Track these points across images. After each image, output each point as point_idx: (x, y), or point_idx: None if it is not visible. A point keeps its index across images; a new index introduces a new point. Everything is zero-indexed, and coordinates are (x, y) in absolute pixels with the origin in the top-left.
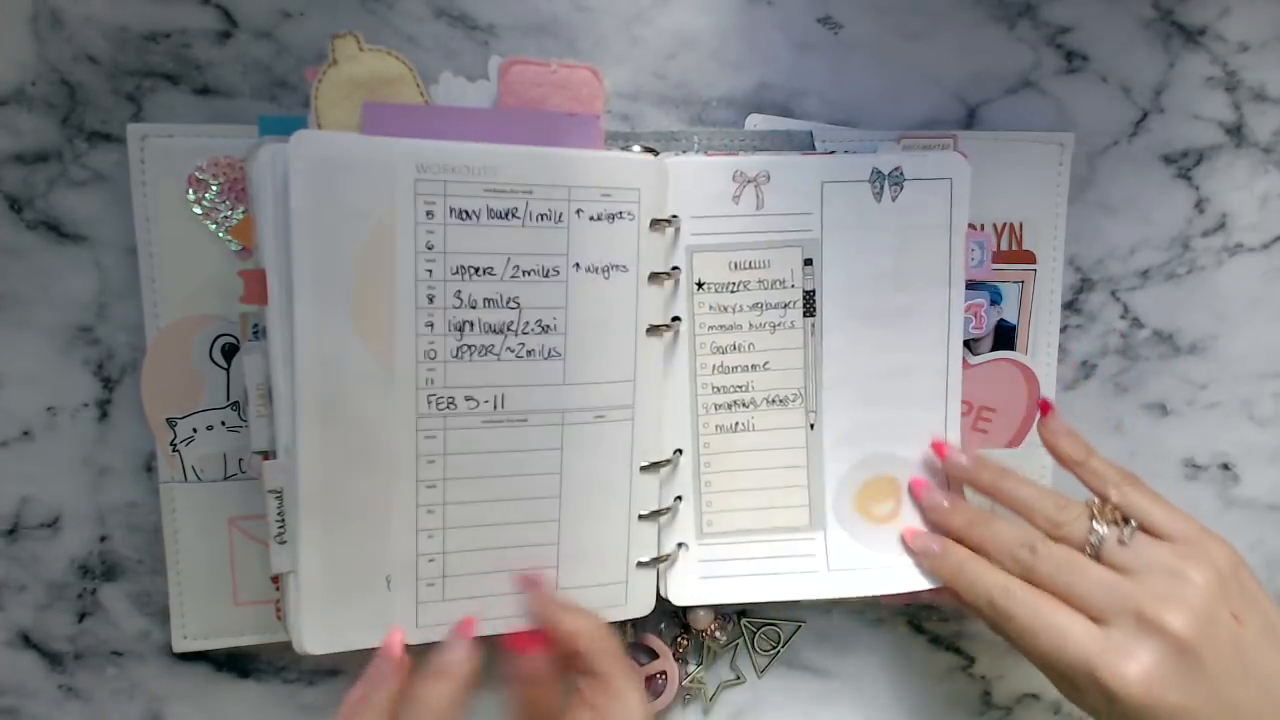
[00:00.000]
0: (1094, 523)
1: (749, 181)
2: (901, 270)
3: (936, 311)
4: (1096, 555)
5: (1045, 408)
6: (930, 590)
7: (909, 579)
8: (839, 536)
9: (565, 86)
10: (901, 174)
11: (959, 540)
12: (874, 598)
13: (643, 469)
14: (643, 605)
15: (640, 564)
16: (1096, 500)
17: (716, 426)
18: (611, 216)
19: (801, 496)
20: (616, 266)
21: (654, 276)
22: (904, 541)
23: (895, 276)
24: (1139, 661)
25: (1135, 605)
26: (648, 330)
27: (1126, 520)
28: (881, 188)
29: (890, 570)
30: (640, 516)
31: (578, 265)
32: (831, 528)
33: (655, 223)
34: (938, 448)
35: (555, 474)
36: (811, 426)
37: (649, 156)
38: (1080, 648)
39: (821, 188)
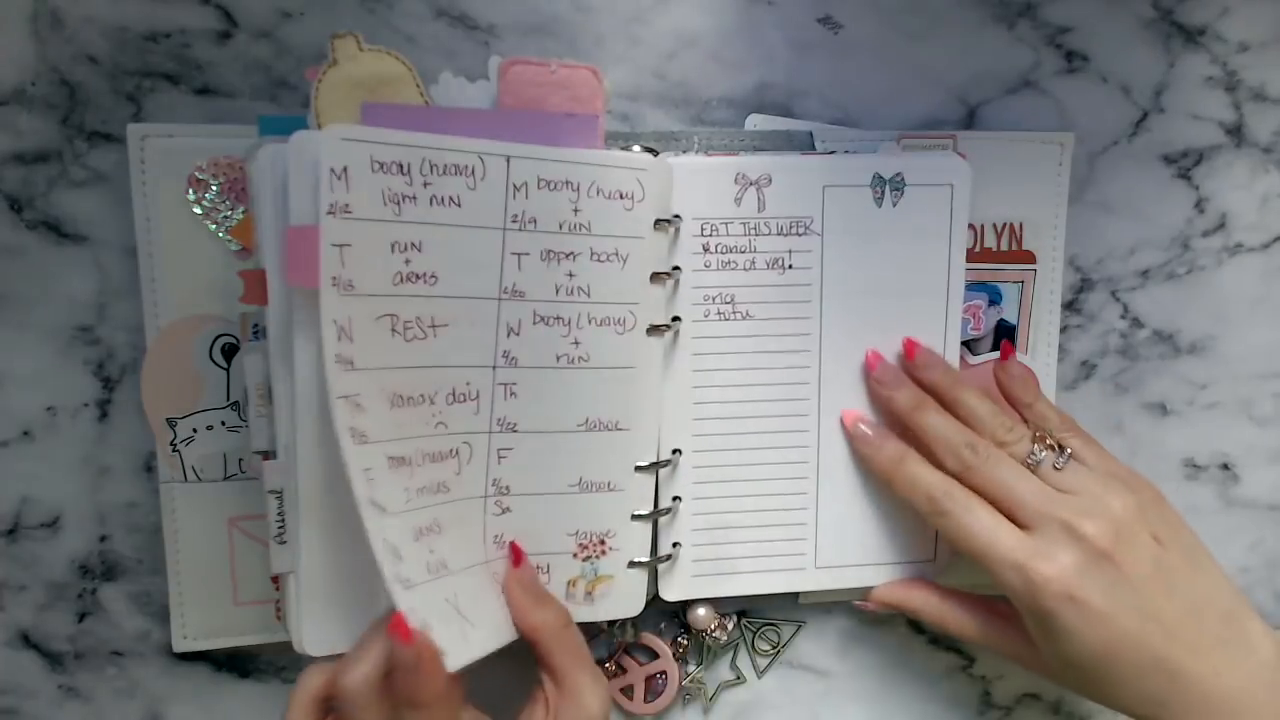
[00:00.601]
0: (1035, 445)
1: (751, 184)
2: (900, 276)
3: (934, 318)
4: (1033, 473)
5: (1007, 350)
6: (882, 590)
7: (885, 576)
8: (828, 536)
9: (565, 86)
10: (903, 180)
11: (901, 421)
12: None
13: (638, 469)
14: (633, 605)
15: (632, 564)
16: (1039, 430)
17: (715, 430)
18: (618, 216)
19: (798, 500)
20: (620, 265)
21: (655, 276)
22: (841, 423)
23: (894, 282)
24: (1059, 562)
25: (1060, 515)
26: (647, 330)
27: (1063, 449)
28: (883, 192)
29: (870, 568)
30: (634, 517)
31: (584, 261)
32: (822, 529)
33: (658, 222)
34: (909, 345)
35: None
36: (808, 430)
37: (652, 156)
38: (1010, 550)
39: (823, 191)
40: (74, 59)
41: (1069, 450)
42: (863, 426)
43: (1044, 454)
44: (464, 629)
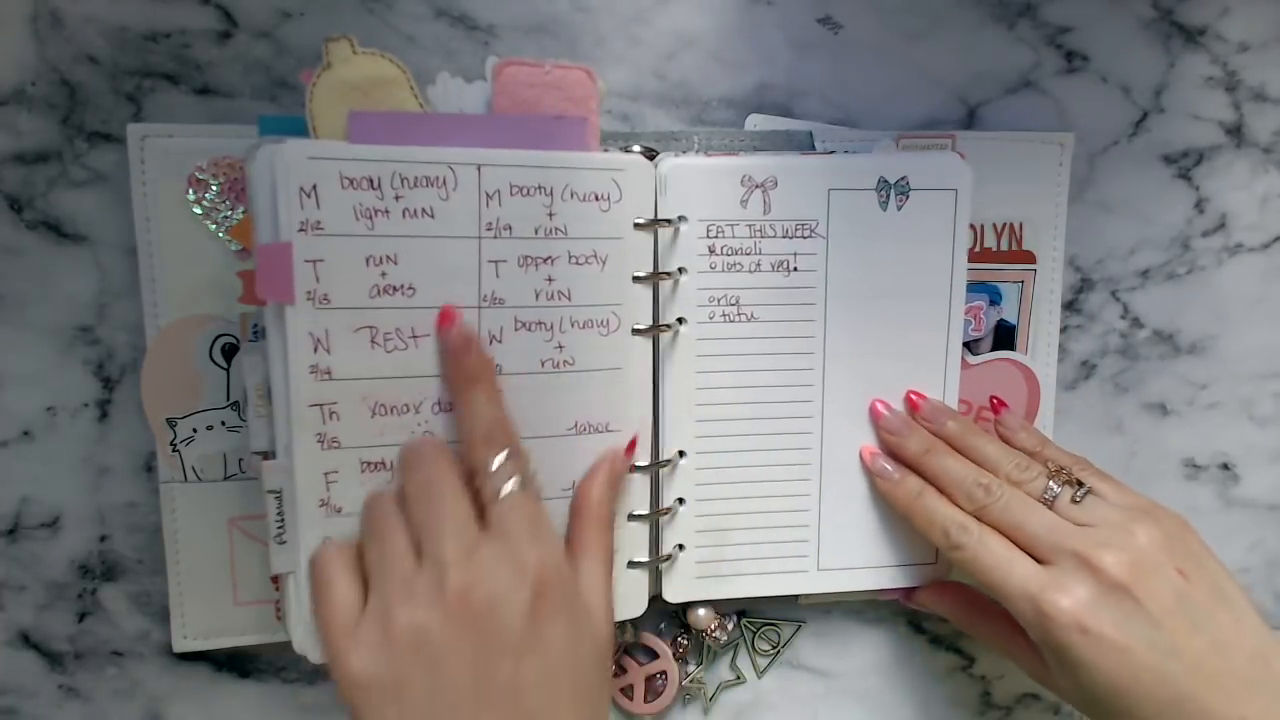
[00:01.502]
0: (1050, 481)
1: (757, 186)
2: (903, 278)
3: (936, 320)
4: (1050, 509)
5: (999, 406)
6: (923, 592)
7: (889, 579)
8: (831, 538)
9: (559, 87)
10: (907, 184)
11: (913, 467)
12: (874, 598)
13: (633, 469)
14: (634, 607)
15: (631, 564)
16: (1054, 466)
17: (718, 431)
18: (594, 218)
19: (801, 503)
20: (600, 267)
21: (645, 277)
22: (861, 459)
23: (898, 284)
24: (1073, 593)
25: (1075, 546)
26: (633, 330)
27: (1081, 484)
28: (888, 196)
29: (874, 571)
30: (631, 517)
31: (562, 265)
32: (825, 531)
33: (644, 223)
34: (912, 400)
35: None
36: (811, 433)
37: (630, 156)
38: (1023, 581)
39: (828, 195)
40: (74, 59)
41: (1087, 485)
42: (882, 462)
43: (1061, 489)
44: None
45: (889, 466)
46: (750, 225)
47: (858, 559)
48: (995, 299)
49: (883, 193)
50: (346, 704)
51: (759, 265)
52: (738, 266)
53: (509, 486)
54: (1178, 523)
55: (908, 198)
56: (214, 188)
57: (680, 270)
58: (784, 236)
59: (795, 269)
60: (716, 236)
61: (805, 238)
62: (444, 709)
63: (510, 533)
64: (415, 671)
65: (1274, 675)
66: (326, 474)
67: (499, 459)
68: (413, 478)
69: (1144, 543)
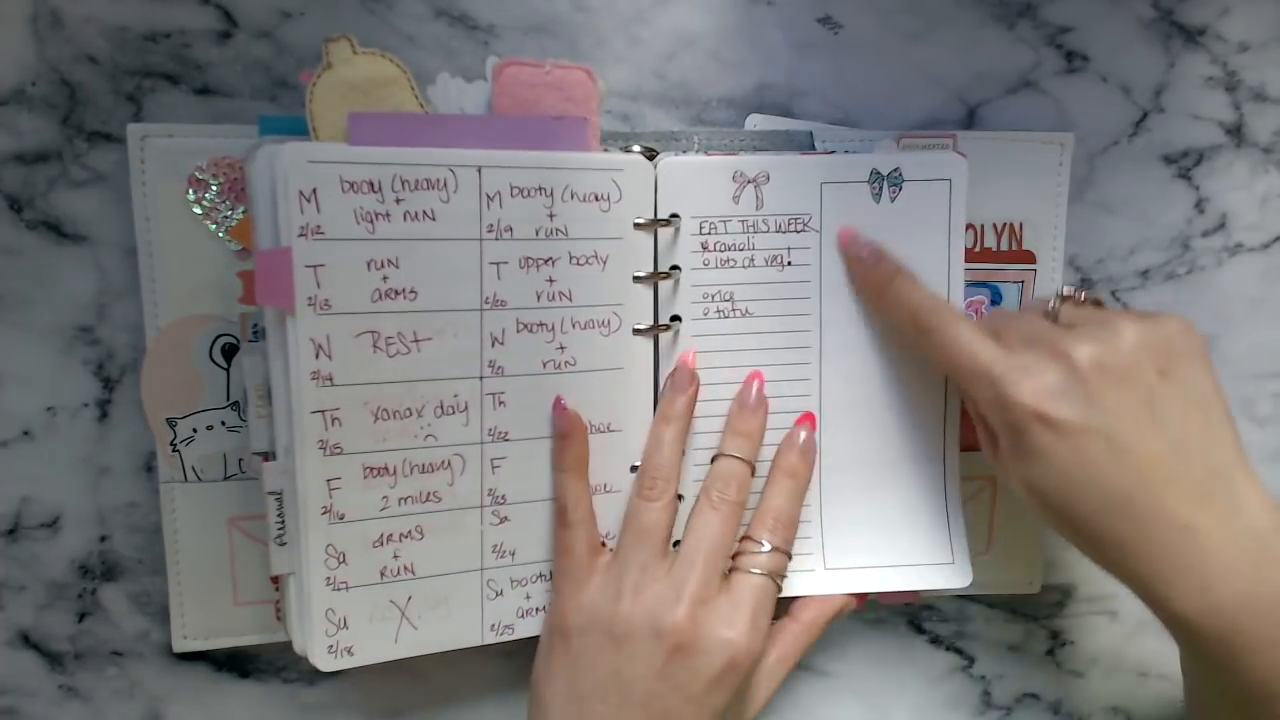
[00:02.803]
0: (1055, 300)
1: (749, 182)
2: None
3: None
4: (1051, 318)
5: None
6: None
7: (902, 580)
8: (835, 537)
9: (559, 87)
10: (900, 175)
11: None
12: (873, 598)
13: (634, 469)
14: None
15: None
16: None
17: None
18: (594, 218)
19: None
20: (600, 267)
21: (646, 276)
22: (839, 241)
23: None
24: (1036, 378)
25: (1052, 338)
26: (634, 330)
27: (1095, 301)
28: (880, 188)
29: (885, 571)
30: None
31: (563, 266)
32: (828, 529)
33: (644, 223)
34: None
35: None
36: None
37: (630, 156)
38: (987, 362)
39: (821, 188)
40: (74, 59)
41: (1096, 298)
42: (860, 242)
43: (1064, 303)
44: (399, 629)
45: (865, 252)
46: (743, 221)
47: (866, 558)
48: (995, 299)
49: (875, 185)
50: (547, 638)
51: (752, 261)
52: (731, 263)
53: (761, 570)
54: (1179, 328)
55: (901, 189)
56: (214, 188)
57: (674, 268)
58: (777, 231)
59: (789, 264)
60: (709, 233)
61: (798, 232)
62: (587, 689)
63: (740, 602)
64: (588, 651)
65: (1232, 490)
66: (329, 481)
67: (769, 543)
68: (710, 514)
69: (1127, 341)
